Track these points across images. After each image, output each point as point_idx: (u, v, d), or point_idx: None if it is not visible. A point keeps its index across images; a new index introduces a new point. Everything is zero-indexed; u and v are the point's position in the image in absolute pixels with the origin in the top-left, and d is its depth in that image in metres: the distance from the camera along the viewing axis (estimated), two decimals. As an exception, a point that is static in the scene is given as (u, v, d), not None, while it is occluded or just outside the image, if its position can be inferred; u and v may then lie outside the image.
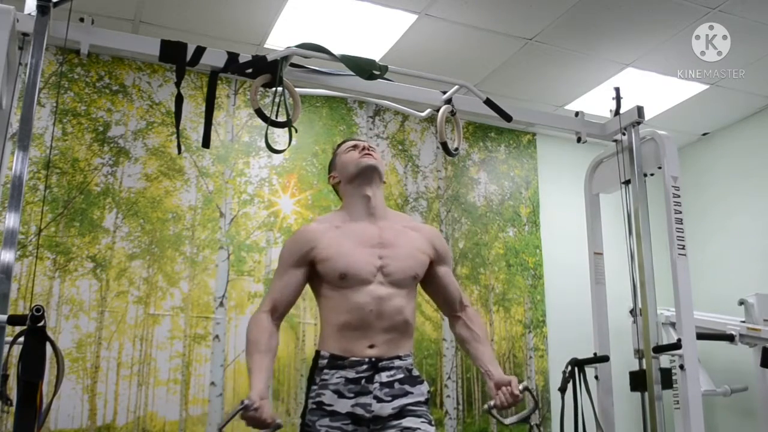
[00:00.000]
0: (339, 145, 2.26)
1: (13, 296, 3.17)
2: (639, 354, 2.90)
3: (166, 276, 3.61)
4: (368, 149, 2.14)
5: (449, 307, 2.22)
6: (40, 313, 1.76)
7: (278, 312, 2.04)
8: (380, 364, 1.97)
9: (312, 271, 2.06)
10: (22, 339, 1.80)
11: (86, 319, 3.40)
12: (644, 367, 2.84)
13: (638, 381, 2.88)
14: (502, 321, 4.36)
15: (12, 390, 1.96)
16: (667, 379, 2.88)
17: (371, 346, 1.97)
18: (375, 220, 2.10)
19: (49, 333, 1.84)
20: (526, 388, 2.03)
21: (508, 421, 2.12)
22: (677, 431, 3.63)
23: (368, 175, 2.11)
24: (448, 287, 2.19)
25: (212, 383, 3.57)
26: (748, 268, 4.43)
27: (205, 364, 3.58)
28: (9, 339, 1.89)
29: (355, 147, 2.16)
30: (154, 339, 3.51)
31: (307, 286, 2.13)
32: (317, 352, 2.03)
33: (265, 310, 2.03)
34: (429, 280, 2.16)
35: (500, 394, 2.02)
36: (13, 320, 1.85)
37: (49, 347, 1.82)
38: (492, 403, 2.03)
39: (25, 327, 1.78)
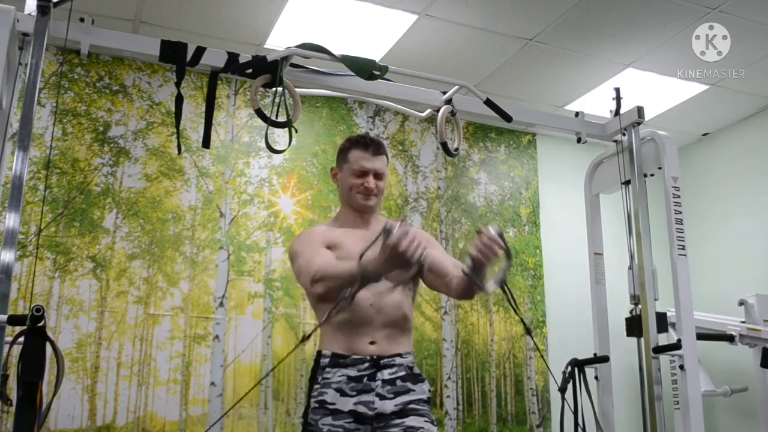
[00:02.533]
0: (351, 146, 2.18)
1: (13, 296, 3.17)
2: (635, 300, 2.92)
3: (166, 276, 3.61)
4: (374, 187, 2.12)
5: (444, 275, 2.08)
6: (40, 313, 1.76)
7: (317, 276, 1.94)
8: (382, 361, 1.98)
9: None
10: (22, 339, 1.80)
11: (86, 319, 3.40)
12: (639, 312, 2.87)
13: (633, 325, 2.89)
14: (502, 321, 4.36)
15: (12, 390, 1.96)
16: (662, 323, 2.89)
17: (372, 343, 1.98)
18: (368, 226, 2.15)
19: (49, 333, 1.84)
20: (499, 234, 1.82)
21: (487, 286, 1.89)
22: (677, 431, 3.63)
23: (364, 210, 2.16)
24: (439, 260, 2.08)
25: (212, 383, 3.56)
26: (748, 269, 4.43)
27: (205, 365, 3.58)
28: (9, 339, 1.89)
29: (364, 175, 2.12)
30: (154, 339, 3.51)
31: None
32: (319, 352, 2.04)
33: (315, 268, 1.93)
34: (426, 271, 2.08)
35: (478, 244, 1.81)
36: (13, 320, 1.85)
37: (49, 347, 1.82)
38: (469, 259, 1.82)
39: (25, 327, 1.78)
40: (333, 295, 1.83)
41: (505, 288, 1.91)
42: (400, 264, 1.69)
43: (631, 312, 3.02)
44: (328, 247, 2.06)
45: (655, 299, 2.88)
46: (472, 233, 4.40)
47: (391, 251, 1.66)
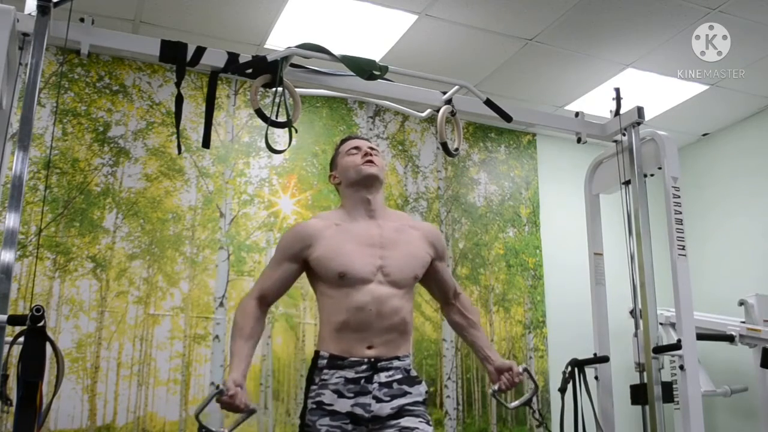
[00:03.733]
0: (341, 143, 2.23)
1: (13, 296, 3.17)
2: (640, 368, 2.89)
3: (166, 276, 3.61)
4: (370, 153, 2.13)
5: (444, 296, 2.27)
6: (40, 313, 1.76)
7: (267, 300, 2.08)
8: (379, 364, 1.97)
9: (308, 269, 2.07)
10: (22, 339, 1.80)
11: (86, 319, 3.40)
12: (645, 380, 2.84)
13: (639, 394, 2.87)
14: (502, 321, 4.36)
15: (12, 390, 1.96)
16: (667, 392, 2.89)
17: (370, 347, 1.97)
18: (375, 219, 2.10)
19: (49, 333, 1.84)
20: (525, 370, 2.12)
21: (512, 405, 2.20)
22: (677, 431, 3.63)
23: (369, 182, 2.11)
24: (444, 279, 2.24)
25: (212, 383, 3.56)
26: (748, 269, 4.43)
27: (205, 365, 3.58)
28: (9, 339, 1.89)
29: (357, 149, 2.14)
30: (154, 339, 3.51)
31: (308, 286, 2.13)
32: (316, 352, 2.04)
33: (254, 297, 2.06)
34: (426, 275, 2.18)
35: (503, 378, 2.11)
36: (13, 320, 1.85)
37: (49, 347, 1.82)
38: (496, 387, 2.11)
39: (25, 327, 1.78)
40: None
41: (530, 407, 2.21)
42: (233, 410, 1.88)
43: (631, 312, 3.02)
44: (306, 258, 2.04)
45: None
46: (473, 234, 4.40)
47: (222, 405, 1.88)
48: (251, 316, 2.02)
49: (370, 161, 2.11)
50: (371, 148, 2.15)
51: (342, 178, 2.15)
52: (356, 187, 2.11)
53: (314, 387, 1.98)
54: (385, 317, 1.99)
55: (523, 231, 4.60)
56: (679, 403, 3.17)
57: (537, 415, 2.33)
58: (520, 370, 2.10)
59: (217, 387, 1.85)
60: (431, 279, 2.20)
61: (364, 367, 1.96)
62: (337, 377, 1.95)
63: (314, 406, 1.95)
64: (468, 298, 2.32)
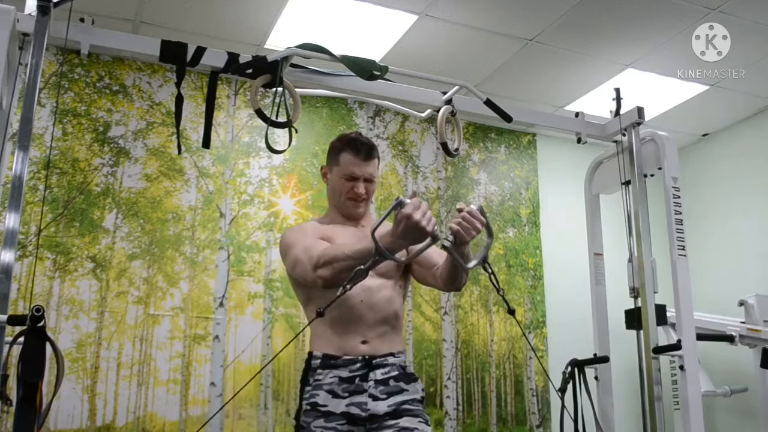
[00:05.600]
0: (342, 146, 2.18)
1: (13, 296, 3.17)
2: (635, 293, 2.91)
3: (166, 276, 3.61)
4: (362, 193, 2.10)
5: (432, 270, 2.09)
6: (40, 313, 1.76)
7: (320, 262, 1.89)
8: (374, 361, 1.97)
9: None
10: (22, 339, 1.80)
11: (86, 319, 3.40)
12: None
13: (633, 317, 2.88)
14: (502, 322, 4.35)
15: (12, 390, 1.96)
16: (661, 315, 2.88)
17: (364, 342, 1.97)
18: (359, 225, 2.17)
19: (49, 333, 1.84)
20: (480, 209, 1.83)
21: (469, 265, 1.88)
22: (677, 431, 3.63)
23: (350, 216, 2.17)
24: (426, 255, 2.03)
25: (212, 383, 3.56)
26: (748, 269, 4.43)
27: (205, 365, 3.58)
28: (9, 339, 1.89)
29: (353, 180, 2.11)
30: (154, 339, 3.51)
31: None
32: (310, 353, 2.03)
33: (313, 262, 1.89)
34: (414, 264, 2.11)
35: (459, 220, 1.81)
36: (13, 320, 1.84)
37: (49, 347, 1.82)
38: (451, 234, 1.80)
39: (25, 327, 1.78)
40: (341, 277, 1.75)
41: (487, 266, 1.86)
42: (414, 236, 1.66)
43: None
44: (322, 239, 2.05)
45: (655, 292, 2.87)
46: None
47: (405, 224, 1.63)
48: (331, 246, 1.90)
49: (360, 201, 2.12)
50: (368, 180, 2.11)
51: (330, 188, 2.21)
52: (340, 209, 2.18)
53: (308, 388, 1.97)
54: (377, 309, 1.99)
55: (523, 231, 4.60)
56: (679, 404, 3.17)
57: (494, 280, 1.92)
58: (475, 207, 1.81)
59: (397, 199, 1.64)
60: (419, 262, 2.08)
61: (358, 365, 1.95)
62: (331, 377, 1.95)
63: (309, 407, 1.94)
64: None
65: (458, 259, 1.82)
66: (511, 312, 1.83)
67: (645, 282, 2.89)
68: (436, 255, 2.07)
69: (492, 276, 1.87)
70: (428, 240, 1.67)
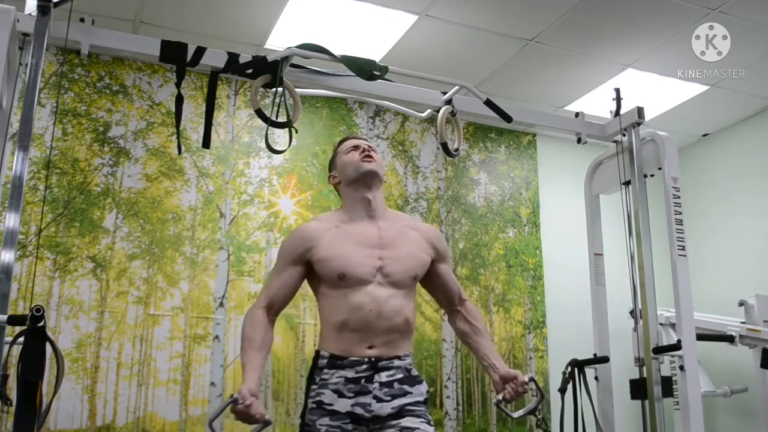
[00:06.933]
0: (339, 143, 2.23)
1: (13, 296, 3.17)
2: (639, 362, 2.89)
3: (166, 276, 3.61)
4: (369, 151, 2.12)
5: (448, 301, 2.24)
6: (40, 313, 1.76)
7: (274, 309, 2.10)
8: (380, 363, 1.97)
9: (310, 270, 2.07)
10: (22, 339, 1.80)
11: (86, 319, 3.40)
12: (645, 375, 2.83)
13: (638, 389, 2.87)
14: (502, 322, 4.36)
15: (12, 390, 1.96)
16: (667, 387, 2.88)
17: (370, 347, 1.97)
18: (375, 220, 2.09)
19: (49, 333, 1.84)
20: (531, 379, 2.08)
21: (516, 414, 2.14)
22: (677, 432, 3.63)
23: (368, 179, 2.10)
24: (447, 283, 2.20)
25: (212, 383, 3.57)
26: (748, 269, 4.43)
27: (205, 365, 3.58)
28: (9, 339, 1.89)
29: (356, 148, 2.14)
30: (154, 339, 3.51)
31: (307, 286, 2.14)
32: (317, 352, 2.04)
33: (261, 306, 2.08)
34: (428, 278, 2.17)
35: (508, 388, 2.05)
36: (13, 320, 1.85)
37: (49, 347, 1.82)
38: (500, 396, 2.06)
39: (25, 327, 1.78)
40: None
41: (536, 414, 2.15)
42: (248, 422, 1.85)
43: (631, 312, 3.02)
44: (309, 259, 2.04)
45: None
46: (473, 234, 4.40)
47: (236, 416, 1.83)
48: (260, 326, 2.03)
49: (369, 157, 2.10)
50: (369, 147, 2.15)
51: (341, 176, 2.14)
52: (355, 185, 2.10)
53: (314, 386, 1.98)
54: (386, 318, 1.98)
55: (523, 231, 4.60)
56: (679, 404, 3.17)
57: (543, 426, 2.25)
58: (526, 379, 2.05)
59: (231, 396, 1.83)
60: (434, 283, 2.19)
61: (364, 366, 1.95)
62: (337, 377, 1.95)
63: (314, 405, 1.95)
64: (475, 307, 2.27)
65: (507, 413, 2.13)
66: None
67: (645, 282, 2.89)
68: (455, 293, 2.22)
69: (542, 424, 2.24)
70: (261, 424, 1.87)
